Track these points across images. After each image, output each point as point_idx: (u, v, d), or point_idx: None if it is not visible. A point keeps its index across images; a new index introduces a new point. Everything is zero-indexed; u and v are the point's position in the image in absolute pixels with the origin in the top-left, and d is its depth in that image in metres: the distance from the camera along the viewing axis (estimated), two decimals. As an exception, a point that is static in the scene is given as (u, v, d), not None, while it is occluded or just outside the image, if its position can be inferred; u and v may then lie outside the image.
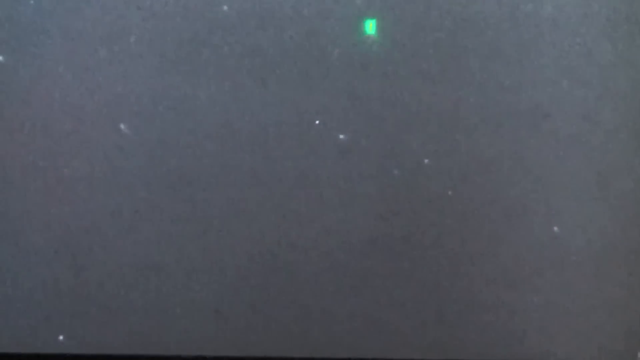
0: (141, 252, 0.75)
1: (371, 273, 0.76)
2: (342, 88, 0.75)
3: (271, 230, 0.76)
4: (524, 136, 0.76)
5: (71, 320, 0.75)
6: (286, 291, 0.76)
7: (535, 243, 0.76)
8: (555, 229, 0.76)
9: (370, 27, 0.75)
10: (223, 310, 0.76)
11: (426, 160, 0.75)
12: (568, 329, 0.77)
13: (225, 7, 0.75)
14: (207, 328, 0.76)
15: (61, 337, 0.76)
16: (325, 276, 0.76)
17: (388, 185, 0.76)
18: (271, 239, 0.76)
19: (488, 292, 0.77)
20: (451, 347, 0.77)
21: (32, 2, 0.74)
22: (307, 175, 0.76)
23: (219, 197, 0.75)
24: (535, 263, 0.76)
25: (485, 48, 0.75)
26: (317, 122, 0.75)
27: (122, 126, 0.74)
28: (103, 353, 0.76)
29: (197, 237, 0.75)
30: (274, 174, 0.75)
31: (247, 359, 0.77)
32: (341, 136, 0.76)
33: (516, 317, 0.77)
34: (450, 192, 0.76)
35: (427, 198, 0.76)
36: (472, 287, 0.77)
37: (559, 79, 0.75)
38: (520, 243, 0.76)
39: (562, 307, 0.77)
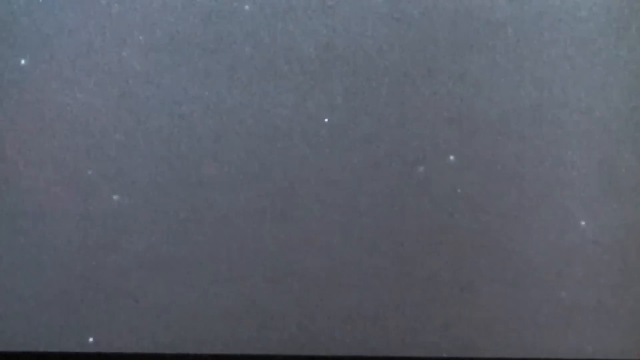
0: (151, 251, 0.77)
1: (380, 271, 0.76)
2: (358, 87, 0.76)
3: (280, 229, 0.76)
4: (546, 133, 0.76)
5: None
6: (291, 289, 0.76)
7: (560, 238, 0.76)
8: (582, 223, 0.75)
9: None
10: (229, 309, 0.77)
11: (452, 157, 0.76)
12: (594, 324, 0.76)
13: (247, 7, 0.76)
14: (212, 326, 0.77)
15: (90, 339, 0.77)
16: (332, 274, 0.76)
17: (404, 183, 0.76)
18: (281, 237, 0.77)
19: (509, 289, 0.76)
20: (465, 345, 0.76)
21: (56, 12, 0.76)
22: (320, 174, 0.76)
23: (227, 196, 0.76)
24: (559, 259, 0.76)
25: (493, 46, 0.76)
26: (325, 120, 0.76)
27: (136, 126, 0.76)
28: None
29: (205, 235, 0.77)
30: (285, 172, 0.76)
31: (257, 357, 0.77)
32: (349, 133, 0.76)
33: (530, 313, 0.76)
34: (459, 190, 0.75)
35: (440, 196, 0.76)
36: (491, 283, 0.76)
37: (577, 76, 0.75)
38: (542, 239, 0.76)
39: (587, 304, 0.76)
